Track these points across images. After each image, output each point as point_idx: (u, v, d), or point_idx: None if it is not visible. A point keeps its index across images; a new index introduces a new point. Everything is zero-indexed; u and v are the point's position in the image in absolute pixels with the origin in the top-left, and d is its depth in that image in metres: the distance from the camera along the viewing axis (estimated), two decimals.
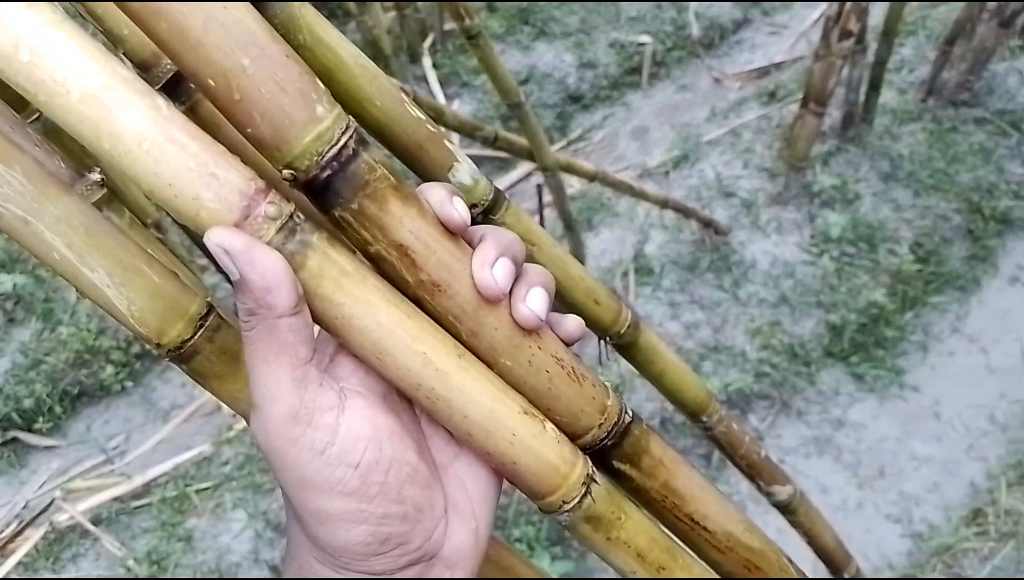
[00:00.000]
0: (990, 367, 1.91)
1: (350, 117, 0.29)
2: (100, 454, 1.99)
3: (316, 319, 0.30)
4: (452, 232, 0.32)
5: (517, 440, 0.32)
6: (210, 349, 0.36)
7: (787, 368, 1.89)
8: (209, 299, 0.37)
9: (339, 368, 0.32)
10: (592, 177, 1.66)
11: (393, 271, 0.31)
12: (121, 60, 0.26)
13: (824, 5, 2.72)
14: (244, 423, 1.95)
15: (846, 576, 0.84)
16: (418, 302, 0.32)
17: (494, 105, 2.50)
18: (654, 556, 0.37)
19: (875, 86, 2.07)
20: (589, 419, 0.35)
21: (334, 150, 0.28)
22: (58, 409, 2.03)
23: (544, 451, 0.33)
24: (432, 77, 2.52)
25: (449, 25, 2.64)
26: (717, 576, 0.39)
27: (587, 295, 0.55)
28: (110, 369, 2.07)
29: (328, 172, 0.29)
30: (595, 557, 1.69)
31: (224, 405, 2.02)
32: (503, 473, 0.34)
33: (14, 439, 2.01)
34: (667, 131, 2.49)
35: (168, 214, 0.29)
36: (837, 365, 1.93)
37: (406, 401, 0.34)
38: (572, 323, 0.36)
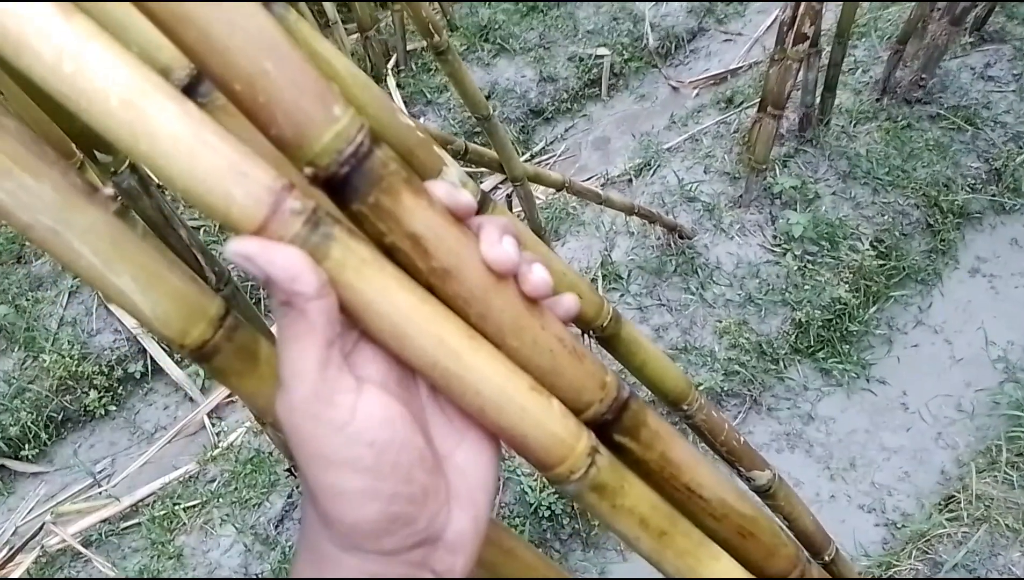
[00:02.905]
0: (954, 357, 1.97)
1: (363, 118, 0.32)
2: (87, 478, 2.00)
3: (340, 305, 0.32)
4: (460, 218, 0.34)
5: (527, 414, 0.35)
6: (229, 348, 0.38)
7: (756, 366, 1.93)
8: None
9: (357, 357, 0.33)
10: (560, 186, 1.69)
11: (407, 260, 0.33)
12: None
13: (777, 11, 2.79)
14: (229, 441, 1.97)
15: (826, 558, 0.86)
16: (430, 289, 0.34)
17: (458, 122, 2.53)
18: (656, 522, 0.39)
19: (830, 88, 2.13)
20: (590, 395, 0.37)
21: (351, 148, 0.31)
22: (43, 435, 2.04)
23: (552, 424, 0.35)
24: (397, 96, 2.54)
25: (412, 45, 2.67)
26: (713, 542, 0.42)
27: (571, 289, 0.58)
28: (93, 394, 2.07)
29: (346, 168, 0.31)
30: (576, 556, 1.71)
31: (208, 425, 2.00)
32: (514, 446, 0.36)
33: (1, 467, 2.01)
34: (628, 140, 2.53)
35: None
36: (804, 361, 1.98)
37: (414, 391, 0.36)
38: (569, 299, 0.38)
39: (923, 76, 2.33)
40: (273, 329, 0.33)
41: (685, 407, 0.66)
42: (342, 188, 0.31)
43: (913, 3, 2.22)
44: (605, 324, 0.58)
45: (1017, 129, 2.32)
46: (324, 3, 2.43)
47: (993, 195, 2.22)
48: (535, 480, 1.75)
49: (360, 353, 0.34)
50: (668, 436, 0.40)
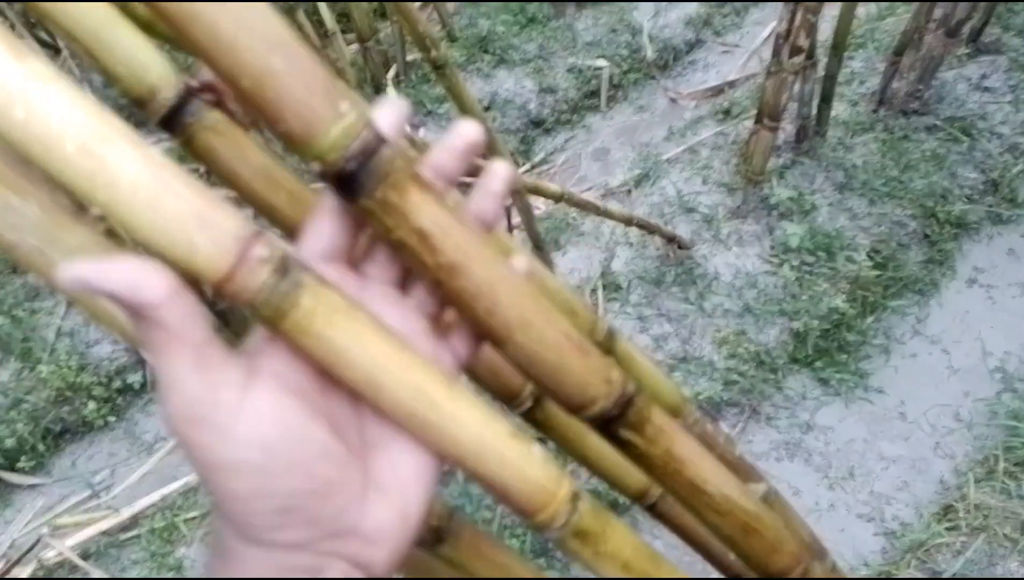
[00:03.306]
0: (952, 367, 1.97)
1: (368, 114, 0.32)
2: (85, 490, 1.99)
3: (310, 355, 0.31)
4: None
5: (507, 462, 0.34)
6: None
7: (754, 375, 1.93)
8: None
9: (264, 350, 0.33)
10: (559, 198, 1.70)
11: (414, 256, 0.33)
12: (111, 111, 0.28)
13: (773, 23, 2.80)
14: None
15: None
16: (437, 285, 0.34)
17: None
18: (639, 565, 0.39)
19: (826, 99, 2.15)
20: (595, 390, 0.37)
21: (358, 144, 0.31)
22: (41, 447, 2.03)
23: (532, 472, 0.35)
24: None
25: (412, 56, 2.68)
26: None
27: (566, 306, 0.58)
28: (92, 405, 2.06)
29: (353, 164, 0.31)
30: (579, 568, 1.71)
31: None
32: (495, 494, 0.35)
33: None
34: (627, 151, 2.54)
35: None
36: (803, 371, 1.98)
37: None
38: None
39: (919, 87, 2.34)
40: None
41: (680, 422, 0.66)
42: (349, 184, 0.32)
43: (908, 15, 2.23)
44: (600, 340, 0.59)
45: (1013, 140, 2.33)
46: (323, 13, 2.44)
47: (990, 205, 2.23)
48: None
49: (269, 346, 0.33)
50: (672, 432, 0.40)
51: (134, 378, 2.12)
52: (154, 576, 1.80)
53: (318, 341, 0.31)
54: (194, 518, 1.89)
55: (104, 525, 1.89)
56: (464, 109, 1.35)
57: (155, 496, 1.93)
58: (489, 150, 1.47)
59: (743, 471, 0.68)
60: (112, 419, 2.09)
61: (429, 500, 0.36)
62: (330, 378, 0.33)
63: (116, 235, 0.44)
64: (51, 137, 0.26)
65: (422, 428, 0.33)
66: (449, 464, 0.34)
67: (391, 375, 0.32)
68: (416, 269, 0.34)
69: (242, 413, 0.30)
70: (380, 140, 0.32)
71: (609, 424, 0.39)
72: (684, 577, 0.41)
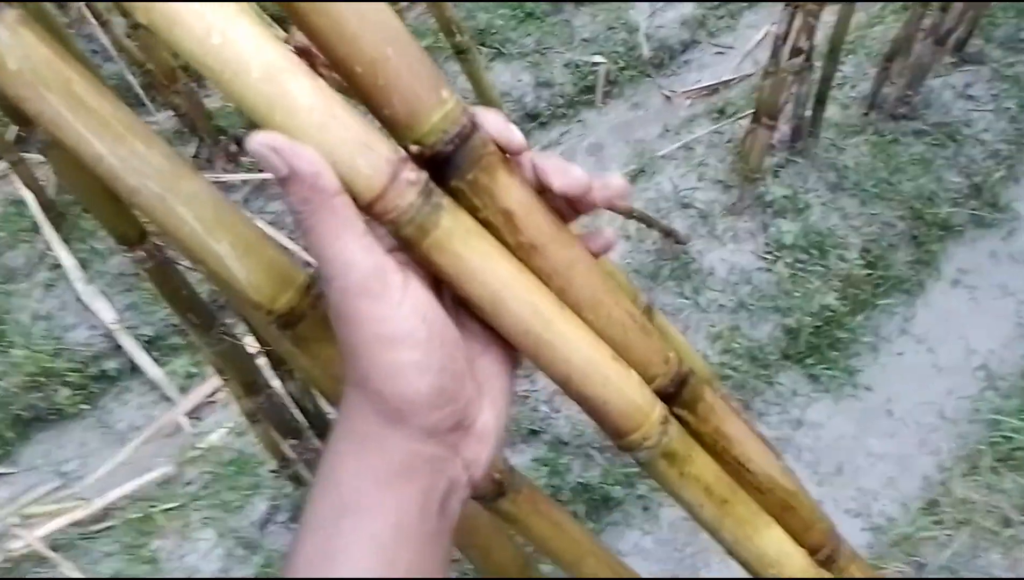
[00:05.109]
0: (937, 366, 2.01)
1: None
2: (56, 479, 1.93)
3: (443, 272, 0.34)
4: (512, 154, 0.37)
5: (609, 382, 0.37)
6: (314, 315, 0.40)
7: (747, 371, 1.96)
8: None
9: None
10: None
11: (497, 235, 0.35)
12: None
13: (767, 26, 2.84)
14: (208, 442, 1.94)
15: None
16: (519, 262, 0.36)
17: None
18: (719, 491, 0.42)
19: (821, 101, 2.18)
20: (656, 368, 0.40)
21: (457, 128, 0.33)
22: (10, 434, 1.97)
23: (631, 393, 0.38)
24: None
25: (424, 42, 2.68)
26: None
27: (610, 276, 0.61)
28: (66, 392, 2.00)
29: (451, 147, 0.33)
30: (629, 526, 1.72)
31: (186, 426, 1.95)
32: (594, 412, 0.38)
33: None
34: (622, 147, 2.56)
35: None
36: (794, 367, 2.02)
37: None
38: (609, 232, 0.41)
39: (908, 93, 2.38)
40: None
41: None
42: (445, 165, 0.34)
43: (897, 23, 2.27)
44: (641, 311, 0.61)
45: (995, 146, 2.38)
46: None
47: (974, 209, 2.28)
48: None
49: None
50: (722, 411, 0.43)
51: (111, 365, 2.06)
52: (127, 568, 1.76)
53: (454, 259, 0.34)
54: (171, 509, 1.84)
55: (75, 516, 1.83)
56: (482, 95, 1.37)
57: (129, 487, 1.87)
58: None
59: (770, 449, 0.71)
60: (86, 407, 2.03)
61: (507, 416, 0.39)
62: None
63: None
64: (240, 63, 0.29)
65: (536, 346, 0.36)
66: (557, 381, 0.37)
67: (514, 293, 0.35)
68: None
69: (408, 291, 0.33)
70: (475, 126, 0.34)
71: (665, 402, 0.41)
72: (756, 507, 0.43)
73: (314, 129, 0.30)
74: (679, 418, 0.42)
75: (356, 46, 0.31)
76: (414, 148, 0.33)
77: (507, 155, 0.36)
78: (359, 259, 0.32)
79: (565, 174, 0.38)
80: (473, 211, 0.35)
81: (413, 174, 0.32)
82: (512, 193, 0.35)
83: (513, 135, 0.37)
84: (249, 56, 0.29)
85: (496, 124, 0.36)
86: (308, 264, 2.16)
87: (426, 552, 0.35)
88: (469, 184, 0.34)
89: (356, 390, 0.35)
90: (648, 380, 0.40)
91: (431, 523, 0.35)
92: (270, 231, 2.21)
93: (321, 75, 0.45)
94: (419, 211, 0.32)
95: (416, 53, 0.32)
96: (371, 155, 0.31)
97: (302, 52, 0.45)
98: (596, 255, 0.40)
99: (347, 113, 0.31)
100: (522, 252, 0.36)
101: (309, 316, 0.40)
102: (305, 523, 0.34)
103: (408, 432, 0.34)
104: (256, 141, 0.30)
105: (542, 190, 0.38)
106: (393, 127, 0.33)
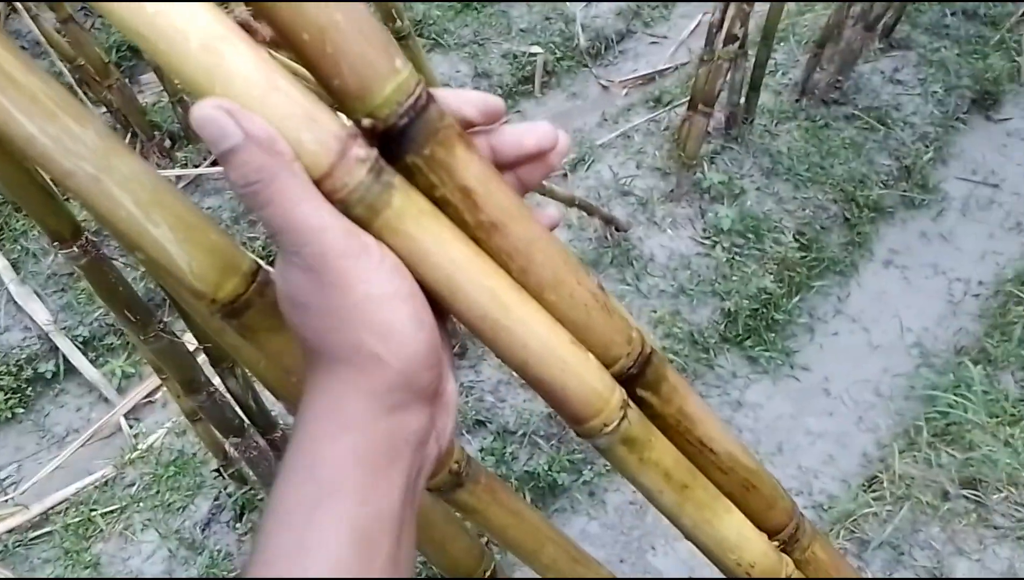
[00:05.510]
0: (872, 344, 2.07)
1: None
2: None
3: (396, 253, 0.33)
4: (490, 121, 0.36)
5: (568, 367, 0.36)
6: (261, 303, 0.38)
7: (688, 354, 1.99)
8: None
9: None
10: None
11: (456, 214, 0.34)
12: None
13: (700, 16, 2.87)
14: (148, 443, 1.90)
15: None
16: (476, 243, 0.35)
17: None
18: (679, 475, 0.41)
19: (755, 88, 2.21)
20: (619, 349, 0.39)
21: (411, 100, 0.31)
22: None
23: (590, 378, 0.37)
24: None
25: None
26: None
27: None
28: None
29: (406, 120, 0.31)
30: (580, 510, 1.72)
31: (125, 427, 1.90)
32: (552, 399, 0.37)
33: None
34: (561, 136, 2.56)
35: None
36: (733, 349, 2.05)
37: None
38: (551, 210, 0.40)
39: (839, 79, 2.44)
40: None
41: None
42: (399, 140, 0.32)
43: (827, 11, 2.32)
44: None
45: (923, 129, 2.46)
46: None
47: (904, 191, 2.34)
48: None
49: None
50: (685, 391, 0.42)
51: (46, 367, 2.01)
52: (68, 574, 1.71)
53: (406, 240, 0.32)
54: (112, 512, 1.81)
55: (12, 523, 1.79)
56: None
57: (68, 491, 1.84)
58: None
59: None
60: (20, 411, 1.98)
61: None
62: None
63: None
64: (176, 33, 0.27)
65: (494, 331, 0.34)
66: (515, 367, 0.36)
67: (470, 277, 0.33)
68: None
69: (383, 248, 0.32)
70: (430, 98, 0.32)
71: (628, 383, 0.40)
72: (715, 491, 0.42)
73: (256, 102, 0.28)
74: (643, 399, 0.41)
75: (302, 11, 0.29)
76: (366, 122, 0.31)
77: (487, 127, 0.35)
78: (331, 221, 0.30)
79: (534, 130, 0.37)
80: (430, 189, 0.33)
81: (363, 151, 0.30)
82: (471, 168, 0.33)
83: (491, 101, 0.36)
84: (186, 25, 0.27)
85: (471, 97, 0.35)
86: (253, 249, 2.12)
87: (404, 538, 0.33)
88: (426, 159, 0.32)
89: (337, 366, 0.32)
90: (611, 361, 0.39)
91: (409, 507, 0.33)
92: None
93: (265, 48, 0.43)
94: (369, 190, 0.31)
95: (367, 19, 0.30)
96: (318, 129, 0.29)
97: (244, 28, 0.43)
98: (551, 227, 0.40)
99: (291, 85, 0.29)
100: (482, 231, 0.34)
101: (256, 304, 0.38)
102: (274, 513, 0.32)
103: (395, 402, 0.32)
104: (207, 105, 0.28)
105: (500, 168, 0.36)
106: (344, 99, 0.31)
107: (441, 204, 0.34)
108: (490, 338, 0.35)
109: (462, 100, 0.35)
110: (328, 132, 0.30)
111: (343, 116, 0.32)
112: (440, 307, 0.35)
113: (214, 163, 2.20)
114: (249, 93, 0.28)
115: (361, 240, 0.31)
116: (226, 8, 0.41)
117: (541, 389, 0.36)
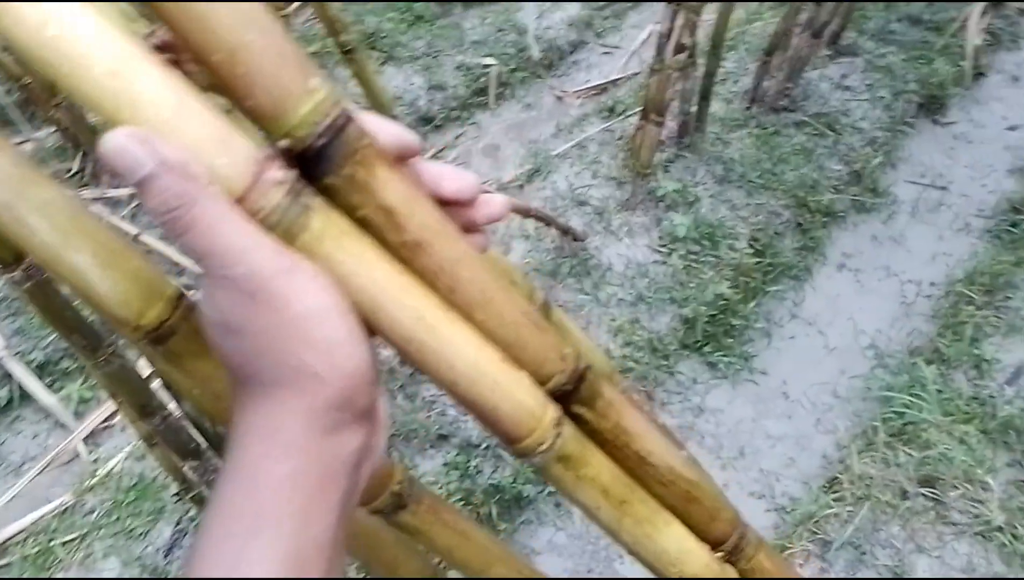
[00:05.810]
0: (828, 347, 2.09)
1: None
2: None
3: None
4: (405, 159, 0.36)
5: (498, 387, 0.35)
6: (186, 328, 0.37)
7: (648, 362, 1.99)
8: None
9: None
10: None
11: (378, 234, 0.33)
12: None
13: (651, 26, 2.91)
14: (108, 468, 1.85)
15: None
16: (401, 263, 0.34)
17: None
18: (617, 491, 0.41)
19: (705, 97, 2.24)
20: (552, 366, 0.38)
21: (329, 120, 0.31)
22: None
23: (522, 396, 0.36)
24: None
25: (312, 48, 2.61)
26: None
27: (503, 275, 0.59)
28: None
29: (323, 140, 0.31)
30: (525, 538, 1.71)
31: (83, 453, 1.87)
32: (484, 419, 0.36)
33: None
34: (517, 147, 2.57)
35: None
36: (692, 356, 2.06)
37: None
38: (497, 200, 0.40)
39: (788, 86, 2.48)
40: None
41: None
42: (317, 160, 0.31)
43: (775, 20, 2.37)
44: (537, 308, 0.60)
45: (872, 134, 2.51)
46: None
47: (855, 195, 2.39)
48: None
49: None
50: (621, 405, 0.42)
51: (0, 394, 1.97)
52: None
53: (326, 263, 0.32)
54: (72, 539, 1.76)
55: None
56: (371, 94, 1.34)
57: (26, 520, 1.79)
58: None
59: (672, 440, 0.71)
60: None
61: None
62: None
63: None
64: (81, 56, 0.26)
65: (420, 352, 0.34)
66: (444, 387, 0.35)
67: (393, 298, 0.33)
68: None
69: (316, 267, 0.32)
70: (348, 117, 0.32)
71: (563, 400, 0.40)
72: (655, 504, 0.42)
73: (167, 126, 0.28)
74: (578, 416, 0.41)
75: (213, 32, 0.28)
76: (284, 143, 0.31)
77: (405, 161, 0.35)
78: (258, 240, 0.30)
79: (456, 178, 0.36)
80: (352, 209, 0.33)
81: (280, 173, 0.30)
82: (392, 187, 0.33)
83: (407, 137, 0.35)
84: (90, 48, 0.26)
85: (388, 129, 0.34)
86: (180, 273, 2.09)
87: (335, 559, 0.32)
88: (345, 179, 0.32)
89: (273, 388, 0.32)
90: (545, 378, 0.38)
91: (342, 528, 0.33)
92: (160, 246, 2.14)
93: (188, 73, 0.43)
94: (286, 213, 0.30)
95: (281, 40, 0.30)
96: (231, 153, 0.29)
97: (165, 48, 0.42)
98: (492, 221, 0.39)
99: (204, 108, 0.28)
100: (406, 250, 0.34)
101: (181, 330, 0.37)
102: (209, 536, 0.31)
103: (333, 423, 0.32)
104: (119, 135, 0.27)
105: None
106: (259, 120, 0.30)
107: (364, 224, 0.33)
108: (417, 359, 0.34)
109: (378, 128, 0.34)
110: (242, 155, 0.29)
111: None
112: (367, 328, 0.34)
113: None
114: (159, 117, 0.28)
115: (291, 257, 0.31)
116: (149, 31, 0.40)
117: (472, 410, 0.36)
